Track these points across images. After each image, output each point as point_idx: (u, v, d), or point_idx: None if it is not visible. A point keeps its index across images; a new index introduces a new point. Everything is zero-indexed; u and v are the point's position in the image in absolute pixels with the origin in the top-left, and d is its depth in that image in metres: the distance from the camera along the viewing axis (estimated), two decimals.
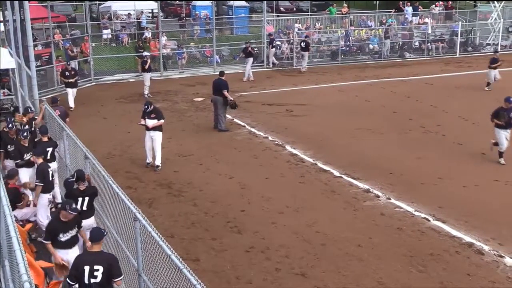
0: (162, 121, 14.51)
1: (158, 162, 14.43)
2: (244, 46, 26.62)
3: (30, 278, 5.31)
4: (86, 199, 9.42)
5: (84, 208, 9.39)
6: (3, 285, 7.23)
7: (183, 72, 27.30)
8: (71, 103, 20.42)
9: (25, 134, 11.85)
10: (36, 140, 12.33)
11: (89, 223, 9.37)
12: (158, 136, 14.44)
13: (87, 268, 7.03)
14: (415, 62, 30.65)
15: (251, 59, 25.93)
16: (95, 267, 7.03)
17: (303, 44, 28.36)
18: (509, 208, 11.90)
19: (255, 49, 27.55)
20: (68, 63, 21.74)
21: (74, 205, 8.52)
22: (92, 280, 7.01)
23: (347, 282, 9.23)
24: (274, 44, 28.88)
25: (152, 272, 7.25)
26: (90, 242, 7.66)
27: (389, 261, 9.82)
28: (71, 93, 20.83)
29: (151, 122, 14.35)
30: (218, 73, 19.02)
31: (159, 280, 6.93)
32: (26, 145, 11.77)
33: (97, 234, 7.41)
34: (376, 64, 30.01)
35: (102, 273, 7.05)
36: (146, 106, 14.49)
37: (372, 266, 9.69)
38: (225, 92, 17.64)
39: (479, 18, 35.23)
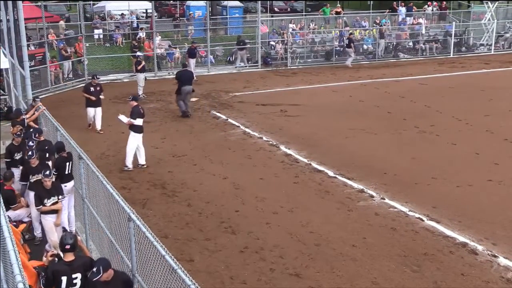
0: (129, 120, 14.26)
1: (141, 161, 14.51)
2: (189, 46, 26.31)
3: (24, 278, 5.30)
4: (70, 163, 10.91)
5: (69, 171, 10.96)
6: None
7: (171, 73, 27.01)
8: (97, 125, 17.76)
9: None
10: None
11: (72, 185, 11.01)
12: (130, 135, 14.36)
13: (64, 278, 6.96)
14: (409, 63, 30.73)
15: (194, 60, 25.64)
16: (74, 275, 6.99)
17: (347, 41, 29.47)
18: (503, 208, 11.95)
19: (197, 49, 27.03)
20: (97, 76, 18.35)
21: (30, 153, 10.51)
22: None
23: (341, 282, 9.24)
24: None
25: (146, 273, 7.25)
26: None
27: (383, 261, 9.84)
28: (93, 113, 17.72)
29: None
30: (183, 68, 20.63)
31: (153, 281, 6.93)
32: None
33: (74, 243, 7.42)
34: (370, 65, 30.07)
35: (81, 279, 7.02)
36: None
37: (366, 266, 9.71)
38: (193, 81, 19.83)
39: (472, 18, 35.37)
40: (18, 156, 11.62)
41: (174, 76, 20.57)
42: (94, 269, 6.64)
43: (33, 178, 10.54)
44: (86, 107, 17.80)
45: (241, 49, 28.67)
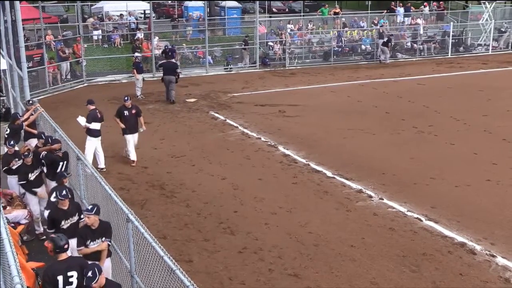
0: (85, 124, 14.15)
1: (100, 165, 14.21)
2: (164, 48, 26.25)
3: (22, 280, 5.29)
4: (64, 163, 11.03)
5: (61, 170, 10.86)
6: None
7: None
8: (133, 156, 14.90)
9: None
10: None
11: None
12: (86, 139, 14.18)
13: (60, 278, 6.91)
14: (407, 63, 30.75)
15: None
16: (69, 273, 6.93)
17: (385, 39, 30.41)
18: (501, 208, 11.96)
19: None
20: (126, 97, 15.05)
21: (64, 192, 8.92)
22: (68, 287, 6.93)
23: (340, 282, 9.24)
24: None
25: (145, 273, 7.25)
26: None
27: (382, 261, 9.84)
28: (132, 141, 14.83)
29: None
30: (168, 61, 22.42)
31: (152, 281, 6.92)
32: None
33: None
34: (368, 65, 30.08)
35: (77, 278, 6.96)
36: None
37: (365, 266, 9.71)
38: (177, 70, 21.84)
39: (470, 18, 35.41)
40: (32, 176, 10.95)
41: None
42: (90, 273, 6.44)
43: (65, 224, 8.89)
44: (123, 135, 14.93)
45: (245, 49, 28.76)
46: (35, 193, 10.97)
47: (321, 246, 10.41)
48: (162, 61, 22.35)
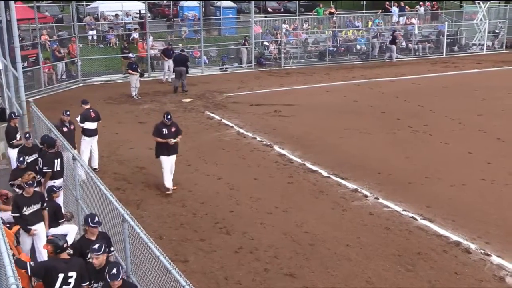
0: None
1: (93, 165, 14.16)
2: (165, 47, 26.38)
3: (17, 280, 5.28)
4: (58, 160, 11.07)
5: (58, 168, 11.09)
6: None
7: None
8: (169, 183, 12.99)
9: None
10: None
11: (61, 181, 11.09)
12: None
13: (61, 275, 6.90)
14: (402, 63, 30.79)
15: (171, 60, 24.67)
16: (70, 273, 6.93)
17: (390, 38, 30.79)
18: (496, 207, 12.00)
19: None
20: (169, 115, 13.02)
21: (96, 218, 7.85)
22: (64, 287, 6.93)
23: (336, 282, 9.26)
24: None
25: (141, 273, 7.25)
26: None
27: (378, 261, 9.86)
28: (169, 165, 12.99)
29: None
30: (182, 55, 23.96)
31: (148, 281, 6.92)
32: None
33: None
34: (364, 65, 30.13)
35: (75, 279, 6.97)
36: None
37: (360, 265, 9.73)
38: (188, 63, 23.97)
39: (465, 18, 35.50)
40: (28, 211, 9.28)
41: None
42: (114, 271, 6.46)
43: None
44: (158, 156, 13.04)
45: (246, 47, 28.80)
46: (28, 230, 9.25)
47: (317, 245, 10.43)
48: (175, 54, 24.08)
